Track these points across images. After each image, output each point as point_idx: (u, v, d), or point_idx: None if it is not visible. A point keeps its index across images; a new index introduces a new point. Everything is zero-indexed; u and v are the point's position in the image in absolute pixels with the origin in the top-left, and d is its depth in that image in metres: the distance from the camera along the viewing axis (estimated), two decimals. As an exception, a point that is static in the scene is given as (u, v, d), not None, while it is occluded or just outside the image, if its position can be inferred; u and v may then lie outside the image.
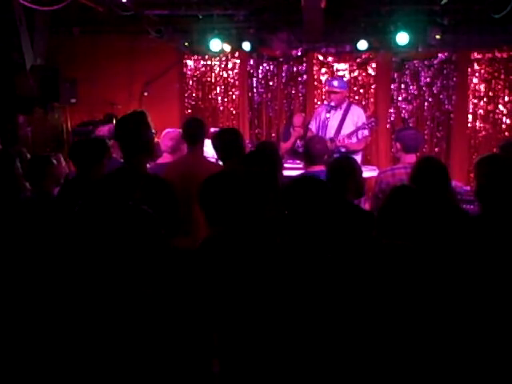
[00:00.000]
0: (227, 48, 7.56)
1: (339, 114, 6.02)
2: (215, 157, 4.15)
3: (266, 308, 2.12)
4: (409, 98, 7.93)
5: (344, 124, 5.96)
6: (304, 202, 2.22)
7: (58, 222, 2.65)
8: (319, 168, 4.05)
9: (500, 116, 7.63)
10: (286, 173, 4.48)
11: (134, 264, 1.98)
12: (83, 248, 2.30)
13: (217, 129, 5.66)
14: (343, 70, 8.06)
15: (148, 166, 3.58)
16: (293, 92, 8.32)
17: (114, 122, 7.39)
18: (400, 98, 7.96)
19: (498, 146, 4.39)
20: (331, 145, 5.66)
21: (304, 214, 2.20)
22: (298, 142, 6.45)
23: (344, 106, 6.06)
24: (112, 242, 1.99)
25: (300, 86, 8.25)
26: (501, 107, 7.60)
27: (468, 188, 6.54)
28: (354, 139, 5.88)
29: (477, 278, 2.42)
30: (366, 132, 5.97)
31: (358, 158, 5.87)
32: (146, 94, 8.11)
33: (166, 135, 4.64)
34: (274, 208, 2.94)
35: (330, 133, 5.92)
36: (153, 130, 3.17)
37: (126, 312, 1.90)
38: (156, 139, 4.14)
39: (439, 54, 7.62)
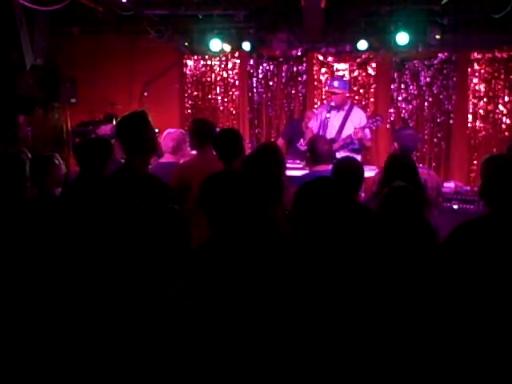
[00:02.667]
0: (227, 48, 7.57)
1: (341, 115, 5.99)
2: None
3: (266, 307, 2.12)
4: (409, 97, 7.93)
5: (345, 125, 5.95)
6: (321, 203, 2.19)
7: (62, 222, 2.66)
8: (324, 168, 4.06)
9: (500, 116, 7.62)
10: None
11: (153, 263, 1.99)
12: (93, 248, 2.30)
13: (217, 129, 5.66)
14: (343, 70, 8.06)
15: (149, 166, 3.59)
16: (293, 92, 8.32)
17: (115, 121, 7.41)
18: (400, 98, 7.95)
19: (507, 147, 4.38)
20: (333, 145, 5.66)
21: (319, 215, 2.18)
22: (302, 140, 6.42)
23: (346, 107, 6.02)
24: (128, 240, 2.00)
25: (300, 86, 8.25)
26: (501, 107, 7.59)
27: (468, 188, 6.56)
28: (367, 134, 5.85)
29: (483, 278, 2.41)
30: (367, 133, 5.95)
31: (358, 158, 5.88)
32: (145, 94, 8.11)
33: (168, 136, 4.63)
34: (279, 207, 2.95)
35: (331, 133, 5.90)
36: (156, 130, 3.18)
37: (131, 310, 1.91)
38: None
39: (439, 54, 7.61)
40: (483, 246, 2.50)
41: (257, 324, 2.09)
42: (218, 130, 4.90)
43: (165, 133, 4.71)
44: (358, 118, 5.98)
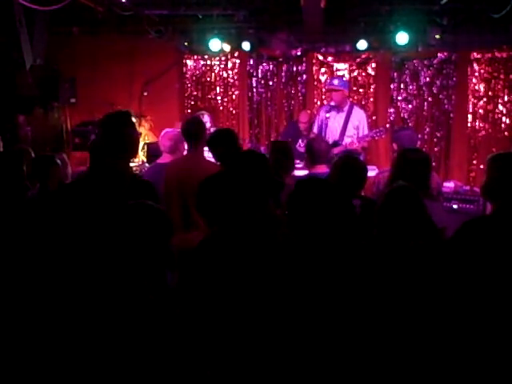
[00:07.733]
0: (227, 48, 7.57)
1: (341, 116, 5.97)
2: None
3: (264, 307, 2.12)
4: (408, 97, 7.94)
5: (347, 127, 5.93)
6: (310, 204, 2.21)
7: (59, 222, 2.65)
8: (322, 169, 4.06)
9: (500, 116, 7.62)
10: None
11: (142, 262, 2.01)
12: (87, 247, 2.30)
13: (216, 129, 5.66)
14: (343, 70, 8.07)
15: (148, 166, 3.58)
16: (292, 92, 8.33)
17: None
18: (400, 98, 7.96)
19: None
20: (336, 148, 5.63)
21: (310, 215, 2.20)
22: (300, 141, 6.43)
23: (346, 108, 6.01)
24: (119, 240, 2.01)
25: (300, 86, 8.26)
26: (500, 107, 7.60)
27: (468, 188, 6.56)
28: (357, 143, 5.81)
29: (489, 277, 2.40)
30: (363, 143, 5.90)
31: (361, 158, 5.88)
32: (145, 93, 8.12)
33: (165, 135, 4.63)
34: (277, 207, 2.96)
35: (332, 135, 5.90)
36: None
37: (126, 313, 1.91)
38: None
39: (439, 54, 7.62)
40: (492, 244, 2.48)
41: (252, 324, 2.10)
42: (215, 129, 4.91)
43: (162, 132, 4.71)
44: (357, 119, 5.97)
